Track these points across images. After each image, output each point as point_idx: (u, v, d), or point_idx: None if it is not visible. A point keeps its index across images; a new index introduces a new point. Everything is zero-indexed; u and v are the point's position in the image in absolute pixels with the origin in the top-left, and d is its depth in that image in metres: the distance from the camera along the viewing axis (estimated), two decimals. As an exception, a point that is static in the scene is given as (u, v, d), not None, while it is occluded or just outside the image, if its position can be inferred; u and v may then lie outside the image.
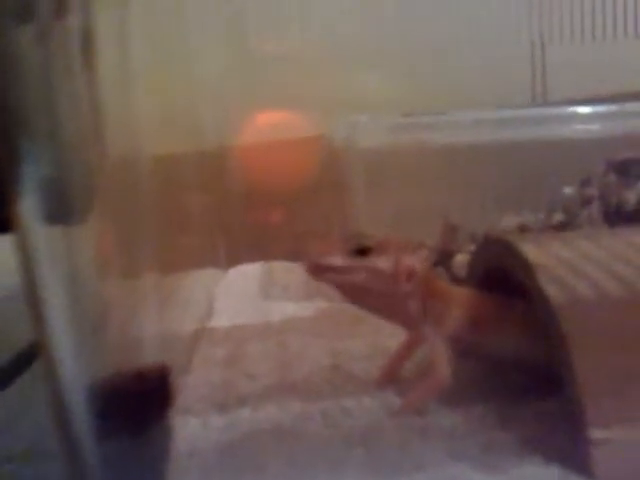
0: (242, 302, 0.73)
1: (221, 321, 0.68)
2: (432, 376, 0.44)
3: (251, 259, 0.88)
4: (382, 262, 0.43)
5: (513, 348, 0.45)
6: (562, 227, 0.70)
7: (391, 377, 0.49)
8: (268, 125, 0.87)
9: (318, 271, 0.43)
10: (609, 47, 0.95)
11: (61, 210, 0.30)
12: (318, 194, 0.87)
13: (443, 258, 0.69)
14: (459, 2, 0.91)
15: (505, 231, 0.71)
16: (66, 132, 0.31)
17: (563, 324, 0.38)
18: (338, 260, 0.42)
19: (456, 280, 0.65)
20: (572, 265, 0.42)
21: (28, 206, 0.28)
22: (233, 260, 0.88)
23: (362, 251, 0.42)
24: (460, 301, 0.46)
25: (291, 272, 0.81)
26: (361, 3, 0.90)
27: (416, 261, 0.44)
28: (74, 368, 0.30)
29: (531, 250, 0.43)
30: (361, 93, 0.86)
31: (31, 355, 0.54)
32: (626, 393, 0.37)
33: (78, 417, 0.30)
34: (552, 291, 0.40)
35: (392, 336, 0.52)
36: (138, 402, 0.37)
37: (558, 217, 0.71)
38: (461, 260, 0.68)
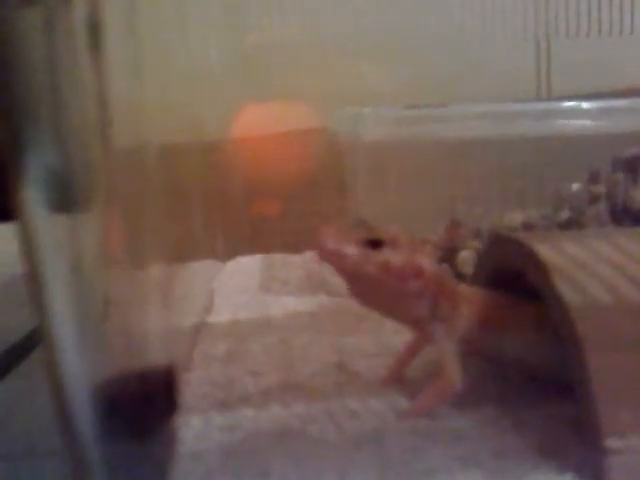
0: (242, 296, 0.72)
1: (221, 315, 0.67)
2: (442, 381, 0.43)
3: (250, 251, 0.87)
4: (393, 257, 0.41)
5: (525, 351, 0.44)
6: (568, 225, 0.69)
7: (398, 377, 0.48)
8: (269, 117, 0.86)
9: (329, 256, 0.41)
10: (615, 42, 0.94)
11: (64, 198, 0.29)
12: (319, 187, 0.86)
13: (447, 254, 0.68)
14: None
15: (510, 228, 0.70)
16: (71, 119, 0.30)
17: (579, 327, 0.37)
18: (350, 249, 0.41)
19: (461, 277, 0.64)
20: (587, 266, 0.41)
21: (31, 194, 0.27)
22: (232, 252, 0.86)
23: (374, 243, 0.41)
24: (470, 301, 0.45)
25: (291, 265, 0.80)
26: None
27: (427, 260, 0.43)
28: (77, 360, 0.29)
29: (546, 251, 0.42)
30: (364, 85, 0.85)
31: (28, 346, 0.53)
32: (643, 400, 0.36)
33: (81, 411, 0.30)
34: (567, 293, 0.39)
35: (396, 332, 0.51)
36: (143, 403, 0.36)
37: (564, 214, 0.70)
38: (466, 257, 0.67)
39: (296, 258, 0.81)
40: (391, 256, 0.41)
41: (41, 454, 0.40)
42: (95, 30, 0.34)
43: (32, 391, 0.45)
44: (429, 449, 0.39)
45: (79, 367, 0.29)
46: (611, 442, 0.35)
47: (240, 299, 0.71)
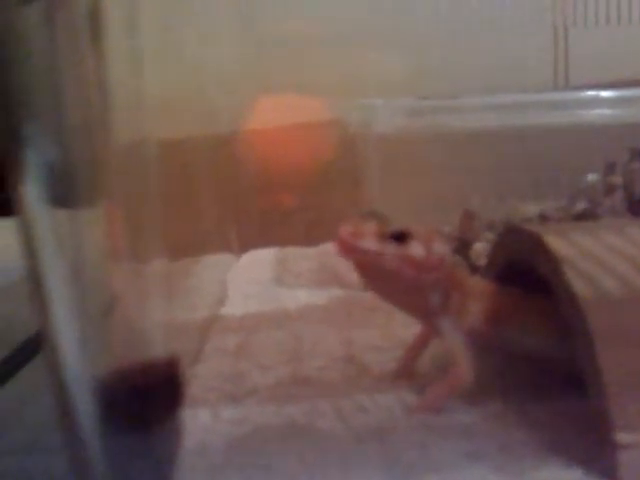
0: (255, 289, 0.72)
1: (233, 308, 0.66)
2: (452, 375, 0.42)
3: (264, 245, 0.86)
4: (415, 250, 0.41)
5: (535, 344, 0.43)
6: (584, 216, 0.68)
7: (407, 370, 0.48)
8: (282, 109, 0.85)
9: (349, 251, 0.40)
10: (634, 31, 0.92)
11: (66, 194, 0.29)
12: (332, 179, 0.85)
13: (461, 246, 0.68)
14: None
15: (525, 219, 0.69)
16: (71, 114, 0.30)
17: (590, 321, 0.36)
18: (371, 243, 0.40)
19: (474, 269, 0.63)
20: (599, 258, 0.40)
21: (31, 189, 0.27)
22: (246, 246, 0.86)
23: (397, 236, 0.41)
24: (480, 294, 0.44)
25: (304, 258, 0.80)
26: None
27: (446, 251, 0.42)
28: (79, 360, 0.29)
29: (556, 242, 0.41)
30: (377, 77, 0.85)
31: (34, 347, 0.53)
32: (655, 395, 0.35)
33: (83, 411, 0.30)
34: (579, 286, 0.38)
35: (406, 326, 0.51)
36: (146, 396, 0.35)
37: (580, 205, 0.69)
38: (479, 249, 0.67)
39: (309, 251, 0.81)
40: (412, 249, 0.41)
41: (47, 450, 0.40)
42: (96, 24, 0.34)
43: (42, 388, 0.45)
44: (436, 444, 0.38)
45: (81, 367, 0.29)
46: (621, 437, 0.34)
47: (253, 292, 0.71)
